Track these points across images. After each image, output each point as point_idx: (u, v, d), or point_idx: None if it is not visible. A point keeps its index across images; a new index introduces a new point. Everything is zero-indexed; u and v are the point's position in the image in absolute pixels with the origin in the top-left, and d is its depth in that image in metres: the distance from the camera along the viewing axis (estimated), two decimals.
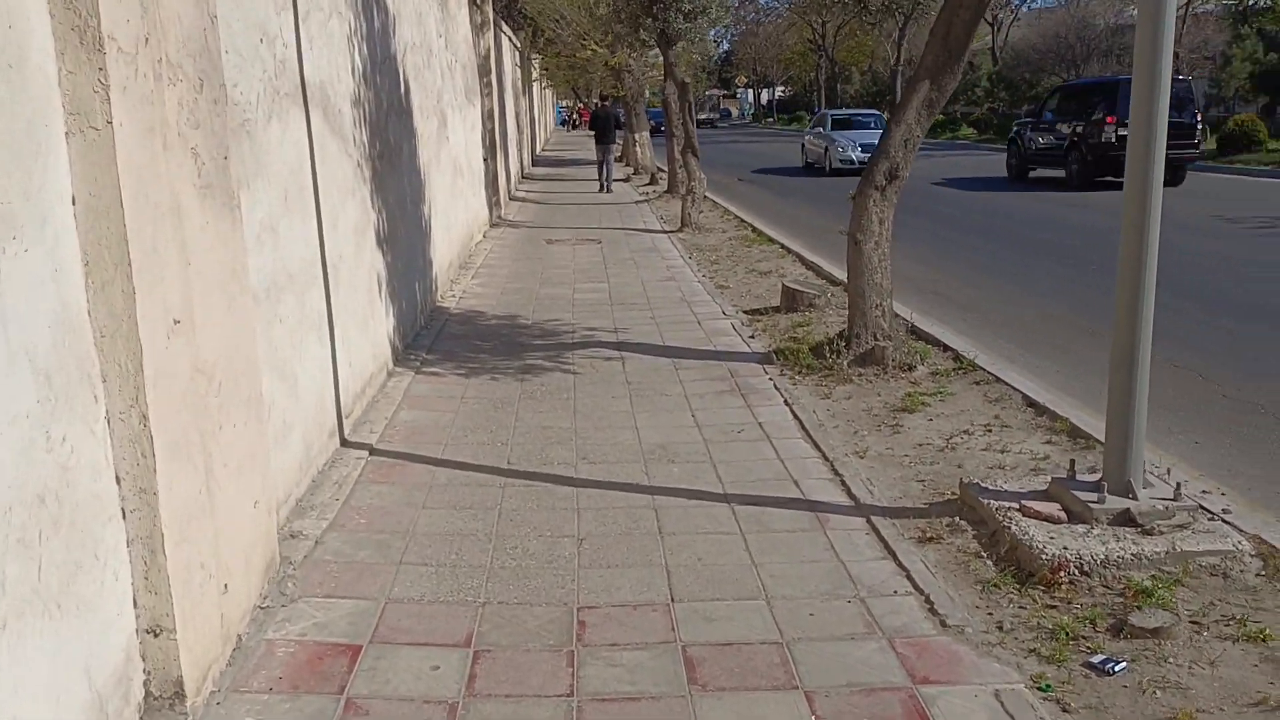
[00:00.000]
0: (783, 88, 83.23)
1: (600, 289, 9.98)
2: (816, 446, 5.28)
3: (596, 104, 23.66)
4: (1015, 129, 23.39)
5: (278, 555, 3.74)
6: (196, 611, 2.92)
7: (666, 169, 19.84)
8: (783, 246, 12.44)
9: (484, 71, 14.90)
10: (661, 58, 15.82)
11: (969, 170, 24.52)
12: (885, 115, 21.64)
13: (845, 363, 6.58)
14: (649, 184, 22.41)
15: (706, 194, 16.09)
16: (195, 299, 3.01)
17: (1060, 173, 21.00)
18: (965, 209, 17.15)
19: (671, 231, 14.24)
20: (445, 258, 9.79)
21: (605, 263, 11.66)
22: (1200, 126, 20.07)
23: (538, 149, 37.29)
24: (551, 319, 8.59)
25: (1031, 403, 5.80)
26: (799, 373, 6.63)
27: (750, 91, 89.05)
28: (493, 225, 14.98)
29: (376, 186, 6.52)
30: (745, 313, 8.70)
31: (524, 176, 24.78)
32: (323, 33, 5.38)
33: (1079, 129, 20.14)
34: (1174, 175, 19.01)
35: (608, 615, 3.54)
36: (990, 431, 5.43)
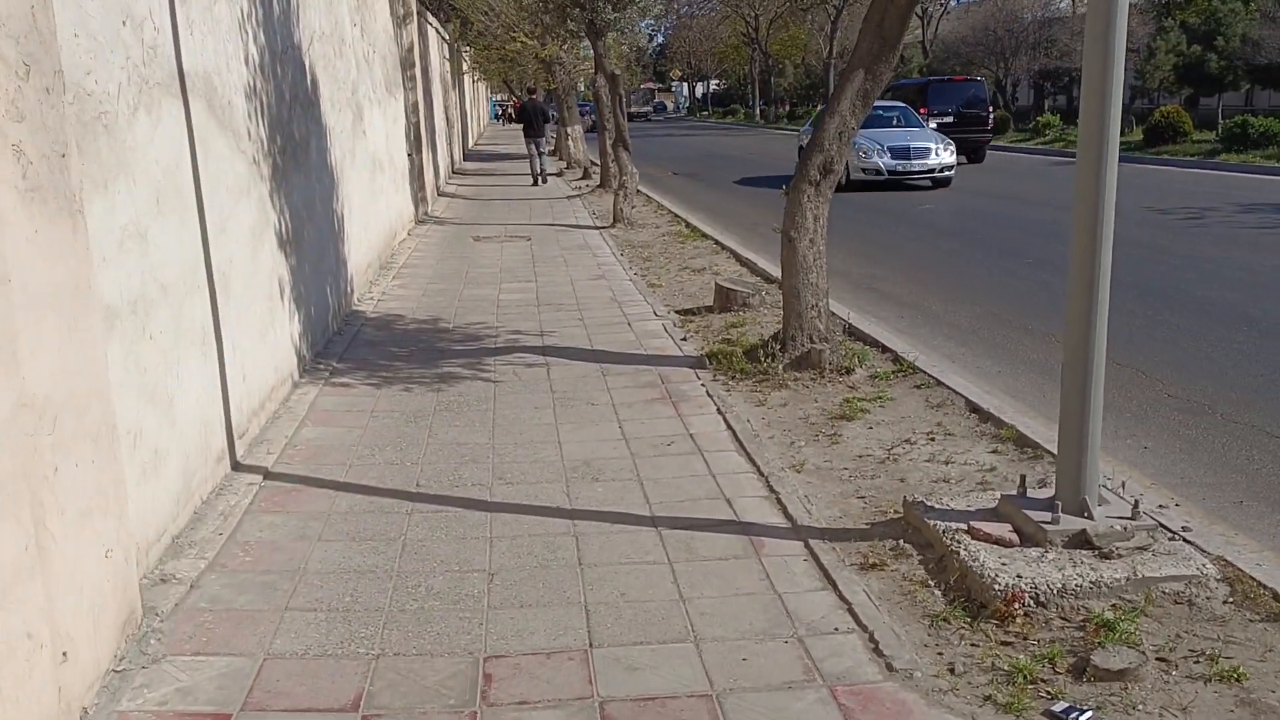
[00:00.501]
0: (717, 81, 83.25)
1: (528, 289, 9.57)
2: (751, 460, 4.94)
3: (525, 97, 23.34)
4: None
5: (140, 608, 3.29)
6: (23, 689, 2.48)
7: (599, 163, 19.43)
8: (716, 242, 12.13)
9: (407, 64, 14.35)
10: (591, 50, 15.40)
11: None
12: (911, 110, 21.39)
13: (780, 367, 6.26)
14: (582, 178, 22.01)
15: (640, 188, 15.76)
16: (20, 321, 2.57)
17: None
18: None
19: (603, 227, 13.86)
20: (363, 258, 9.30)
21: (534, 261, 11.24)
22: (992, 117, 26.19)
23: (470, 143, 36.60)
24: (475, 322, 8.16)
25: (975, 408, 5.53)
26: (733, 378, 6.30)
27: (685, 85, 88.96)
28: (418, 222, 14.46)
29: (278, 185, 6.04)
30: (678, 313, 8.35)
31: (455, 172, 24.21)
32: (206, 17, 4.90)
33: None
34: (974, 154, 24.34)
35: (517, 666, 3.15)
36: (933, 440, 5.13)
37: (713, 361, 6.60)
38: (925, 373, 6.18)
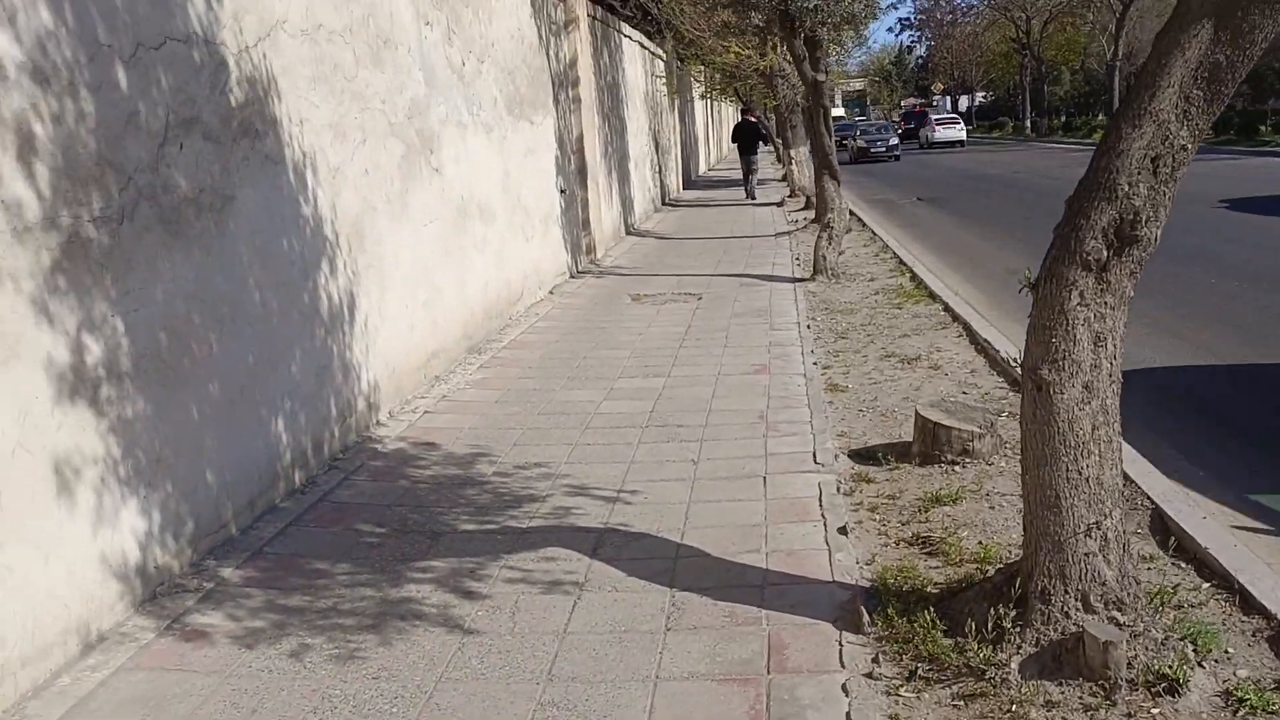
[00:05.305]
0: (984, 93, 77.03)
1: (649, 390, 6.56)
2: None
3: (741, 117, 22.54)
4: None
5: None
6: None
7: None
8: (947, 308, 8.63)
9: (565, 81, 11.76)
10: (805, 53, 12.15)
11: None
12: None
13: (1014, 663, 2.93)
14: (803, 208, 18.80)
15: (864, 220, 12.40)
16: None
17: None
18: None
19: (801, 280, 10.64)
20: (416, 349, 6.61)
21: (686, 336, 8.22)
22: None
23: (700, 170, 34.05)
24: (529, 464, 5.23)
25: None
26: (911, 673, 3.03)
27: (948, 98, 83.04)
28: (576, 275, 11.78)
29: (73, 284, 3.39)
30: (853, 456, 5.10)
31: (665, 204, 21.57)
32: None
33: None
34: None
35: None
36: None
37: (879, 615, 3.35)
38: None
